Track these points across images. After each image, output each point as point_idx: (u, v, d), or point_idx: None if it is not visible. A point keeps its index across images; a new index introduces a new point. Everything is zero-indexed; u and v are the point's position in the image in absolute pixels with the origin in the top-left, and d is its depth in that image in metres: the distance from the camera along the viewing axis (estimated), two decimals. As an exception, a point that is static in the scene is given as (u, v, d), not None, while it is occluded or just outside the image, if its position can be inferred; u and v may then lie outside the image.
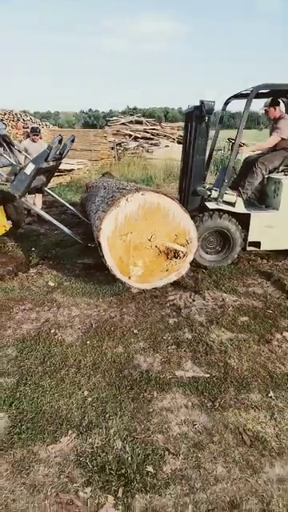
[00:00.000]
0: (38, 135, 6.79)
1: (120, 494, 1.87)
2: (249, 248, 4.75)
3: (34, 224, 6.70)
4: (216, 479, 1.95)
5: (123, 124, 19.70)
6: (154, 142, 18.59)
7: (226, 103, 5.09)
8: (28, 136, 7.28)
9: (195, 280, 4.33)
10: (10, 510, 1.79)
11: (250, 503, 1.82)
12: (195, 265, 4.56)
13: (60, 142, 4.67)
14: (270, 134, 4.74)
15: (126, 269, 3.69)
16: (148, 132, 19.11)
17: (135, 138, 18.03)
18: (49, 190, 6.01)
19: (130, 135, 17.92)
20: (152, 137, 19.03)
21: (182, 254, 3.80)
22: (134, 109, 63.58)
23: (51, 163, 4.88)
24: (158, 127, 20.28)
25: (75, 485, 1.93)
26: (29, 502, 1.84)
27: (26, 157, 5.65)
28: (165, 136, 19.40)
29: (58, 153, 4.85)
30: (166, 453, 2.10)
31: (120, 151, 15.07)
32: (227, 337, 3.23)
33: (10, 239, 5.67)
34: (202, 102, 4.17)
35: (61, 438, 2.21)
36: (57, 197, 6.08)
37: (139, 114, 22.30)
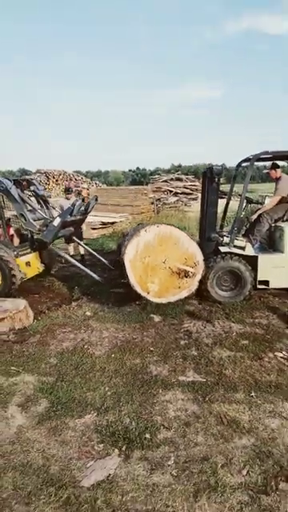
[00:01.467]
0: (69, 194, 8.49)
1: (123, 449, 2.58)
2: (259, 286, 5.40)
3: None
4: (196, 444, 2.60)
5: (165, 181, 21.49)
6: (192, 196, 19.98)
7: (238, 165, 6.05)
8: (79, 193, 9.04)
9: (209, 312, 5.03)
10: (47, 453, 2.57)
11: (217, 458, 2.44)
12: (212, 300, 5.30)
13: (83, 200, 6.04)
14: (275, 192, 5.58)
15: (144, 285, 4.62)
16: (187, 188, 20.65)
17: (175, 194, 19.57)
18: (77, 240, 7.40)
19: (171, 191, 19.52)
20: (191, 192, 20.49)
21: (191, 274, 4.65)
22: (179, 166, 67.49)
23: (78, 217, 6.11)
24: (197, 183, 21.77)
25: (92, 442, 2.68)
26: (59, 450, 2.62)
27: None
28: (203, 191, 20.60)
29: (83, 209, 6.12)
30: (162, 427, 2.79)
31: (159, 205, 16.47)
32: (227, 354, 3.87)
33: (57, 280, 6.80)
34: (211, 167, 5.17)
35: (85, 415, 2.98)
36: (86, 247, 7.50)
37: (179, 172, 24.06)
